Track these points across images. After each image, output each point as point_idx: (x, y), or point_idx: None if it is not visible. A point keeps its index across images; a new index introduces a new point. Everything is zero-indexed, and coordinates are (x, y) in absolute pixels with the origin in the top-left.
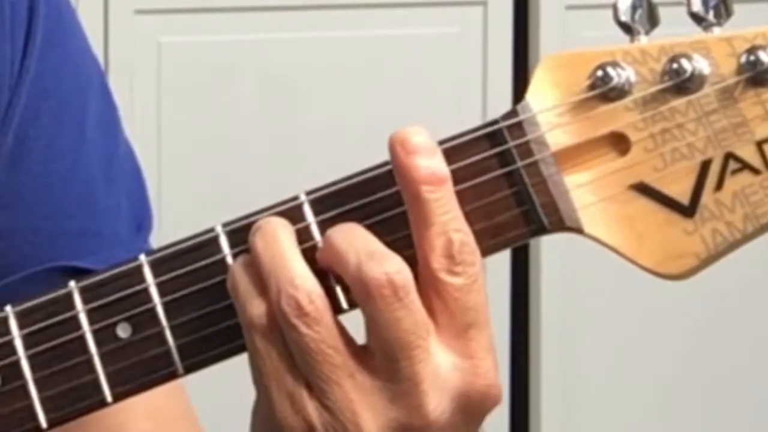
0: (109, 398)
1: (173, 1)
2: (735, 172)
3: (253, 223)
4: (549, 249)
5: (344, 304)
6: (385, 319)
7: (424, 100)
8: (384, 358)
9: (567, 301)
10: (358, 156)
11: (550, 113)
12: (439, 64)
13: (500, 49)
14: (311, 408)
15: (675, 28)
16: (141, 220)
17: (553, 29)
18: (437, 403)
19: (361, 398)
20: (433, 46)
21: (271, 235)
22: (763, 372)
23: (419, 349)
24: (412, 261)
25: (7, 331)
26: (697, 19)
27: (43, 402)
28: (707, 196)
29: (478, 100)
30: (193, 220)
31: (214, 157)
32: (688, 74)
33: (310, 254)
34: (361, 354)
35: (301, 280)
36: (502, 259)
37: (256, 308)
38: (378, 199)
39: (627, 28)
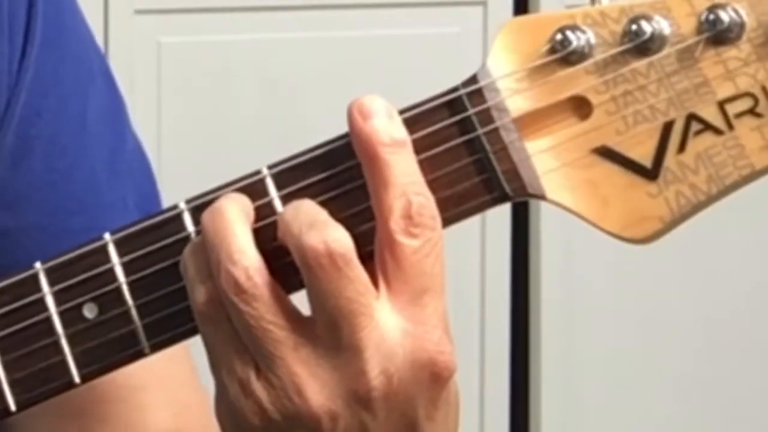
0: (77, 379)
1: (173, 1)
2: (698, 133)
3: (216, 198)
4: (549, 249)
5: None
6: (325, 288)
7: None
8: (326, 327)
9: (567, 301)
10: None
11: (510, 79)
12: (439, 64)
13: None
14: (259, 389)
15: None
16: (150, 213)
17: None
18: (381, 370)
19: (306, 370)
20: (433, 46)
21: (218, 211)
22: (764, 372)
23: (362, 317)
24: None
25: None
26: None
27: (12, 385)
28: (670, 158)
29: None
30: None
31: (214, 156)
32: (648, 35)
33: (272, 229)
34: (304, 326)
35: (239, 255)
36: (502, 259)
37: (200, 294)
38: (342, 170)
39: None
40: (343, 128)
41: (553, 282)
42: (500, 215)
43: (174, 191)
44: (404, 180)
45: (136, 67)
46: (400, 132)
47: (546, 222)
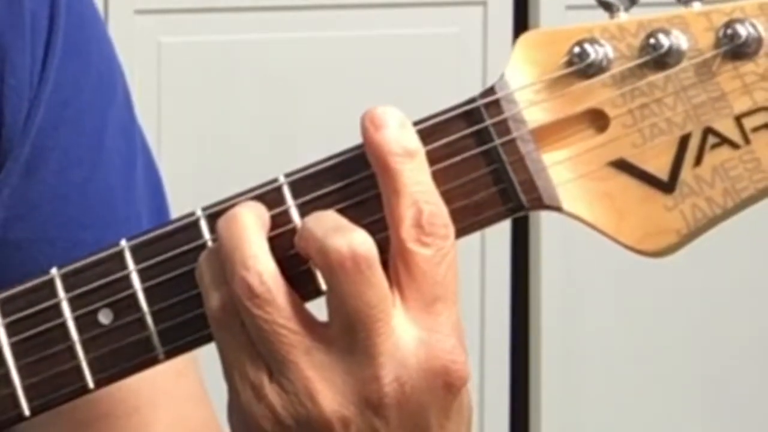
0: (91, 385)
1: (173, 1)
2: (714, 146)
3: (233, 206)
4: (549, 249)
5: (323, 287)
6: (345, 291)
7: (424, 100)
8: (342, 331)
9: (567, 301)
10: None
11: (528, 90)
12: (439, 64)
13: (500, 49)
14: (272, 394)
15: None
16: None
17: None
18: (395, 377)
19: (319, 375)
20: (433, 46)
21: (233, 218)
22: (764, 373)
23: (380, 323)
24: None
25: None
26: None
27: (26, 389)
28: (686, 172)
29: None
30: None
31: (214, 157)
32: (665, 49)
33: (288, 237)
34: (317, 330)
35: (252, 260)
36: (502, 258)
37: (215, 300)
38: (358, 179)
39: (606, 5)
40: (343, 128)
41: (553, 282)
42: None
43: (174, 191)
44: (415, 189)
45: (136, 67)
46: (412, 142)
47: (546, 221)
